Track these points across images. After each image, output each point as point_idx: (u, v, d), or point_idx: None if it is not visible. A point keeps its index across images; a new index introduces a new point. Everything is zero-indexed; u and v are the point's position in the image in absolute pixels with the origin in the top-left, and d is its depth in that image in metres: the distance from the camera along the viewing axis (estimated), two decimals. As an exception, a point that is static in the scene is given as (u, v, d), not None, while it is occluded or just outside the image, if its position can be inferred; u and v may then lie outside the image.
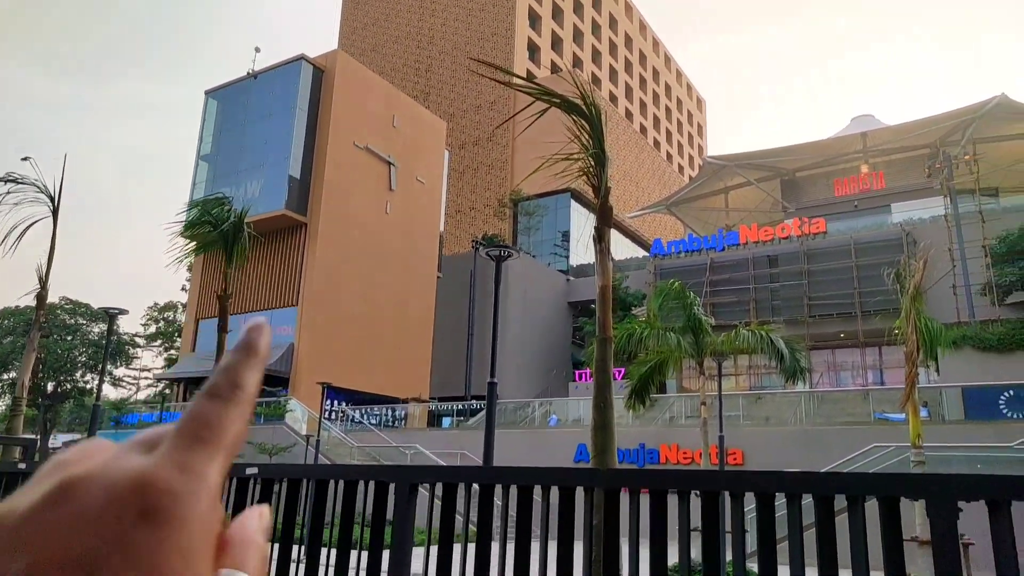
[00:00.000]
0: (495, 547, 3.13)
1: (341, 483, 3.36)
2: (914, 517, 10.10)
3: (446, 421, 31.97)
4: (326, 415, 27.82)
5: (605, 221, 5.75)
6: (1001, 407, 20.86)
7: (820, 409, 24.66)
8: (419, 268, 38.56)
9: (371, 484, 3.26)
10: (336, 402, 31.31)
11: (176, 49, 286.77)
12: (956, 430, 19.34)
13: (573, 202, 48.56)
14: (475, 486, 3.19)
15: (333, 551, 3.31)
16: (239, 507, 3.53)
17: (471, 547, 3.08)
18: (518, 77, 6.07)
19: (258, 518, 0.35)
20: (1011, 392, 21.02)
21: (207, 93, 38.72)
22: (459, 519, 3.42)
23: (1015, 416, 20.23)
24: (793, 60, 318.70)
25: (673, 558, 2.83)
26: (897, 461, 17.49)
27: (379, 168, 37.28)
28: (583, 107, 5.61)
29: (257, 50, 38.73)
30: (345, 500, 3.29)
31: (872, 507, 2.40)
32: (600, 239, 5.80)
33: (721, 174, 46.94)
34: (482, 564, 2.97)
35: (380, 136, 37.48)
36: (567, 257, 48.55)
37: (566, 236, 49.11)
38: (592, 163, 5.67)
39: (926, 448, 14.39)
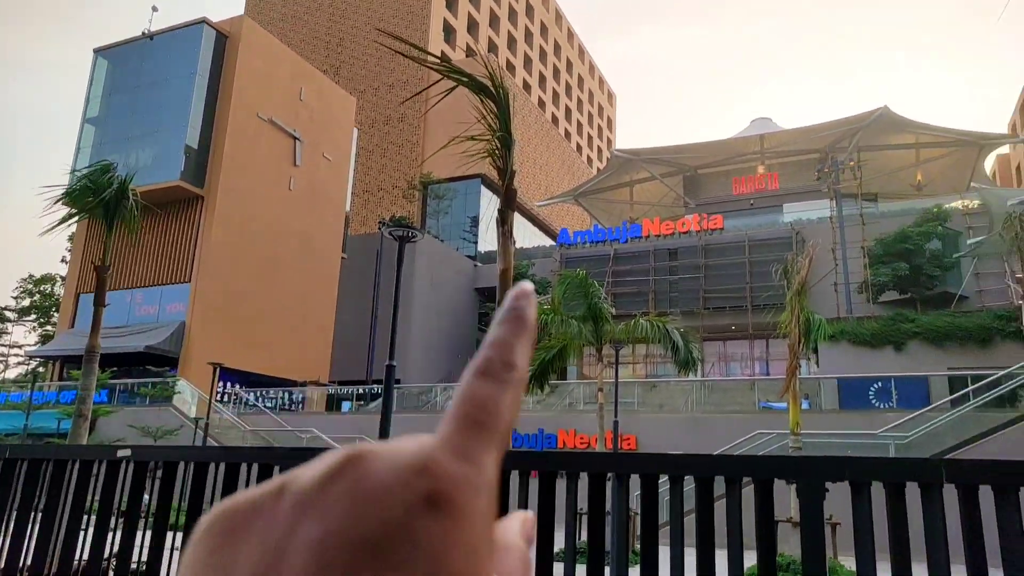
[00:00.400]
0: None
1: (223, 466, 3.20)
2: (790, 499, 10.74)
3: (346, 405, 31.40)
4: (218, 397, 26.75)
5: (509, 204, 5.74)
6: (871, 397, 22.53)
7: (710, 397, 25.84)
8: (323, 247, 37.56)
9: (255, 467, 3.12)
10: (229, 384, 30.12)
11: (63, 2, 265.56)
12: (831, 418, 20.73)
13: (483, 188, 48.49)
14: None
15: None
16: (108, 492, 3.30)
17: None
18: (429, 54, 5.96)
19: (521, 523, 0.32)
20: (879, 384, 22.73)
21: (96, 51, 36.08)
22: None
23: (882, 406, 21.90)
24: (702, 60, 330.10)
25: (560, 542, 2.86)
26: (778, 447, 18.57)
27: (284, 142, 35.95)
28: (491, 88, 5.56)
29: (154, 9, 36.38)
30: (226, 484, 3.14)
31: (749, 489, 2.50)
32: (503, 222, 5.79)
33: (627, 167, 48.10)
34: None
35: (286, 109, 36.12)
36: (476, 243, 48.54)
37: (475, 221, 49.06)
38: (498, 145, 5.64)
39: (804, 435, 15.35)
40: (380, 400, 26.44)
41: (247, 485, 3.12)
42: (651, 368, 35.22)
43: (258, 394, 30.35)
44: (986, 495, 2.17)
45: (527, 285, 0.32)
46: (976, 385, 19.98)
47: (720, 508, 2.45)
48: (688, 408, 24.68)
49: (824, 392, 23.97)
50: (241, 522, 0.25)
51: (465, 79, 5.65)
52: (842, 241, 31.68)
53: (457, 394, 0.28)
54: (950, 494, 2.22)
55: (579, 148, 77.24)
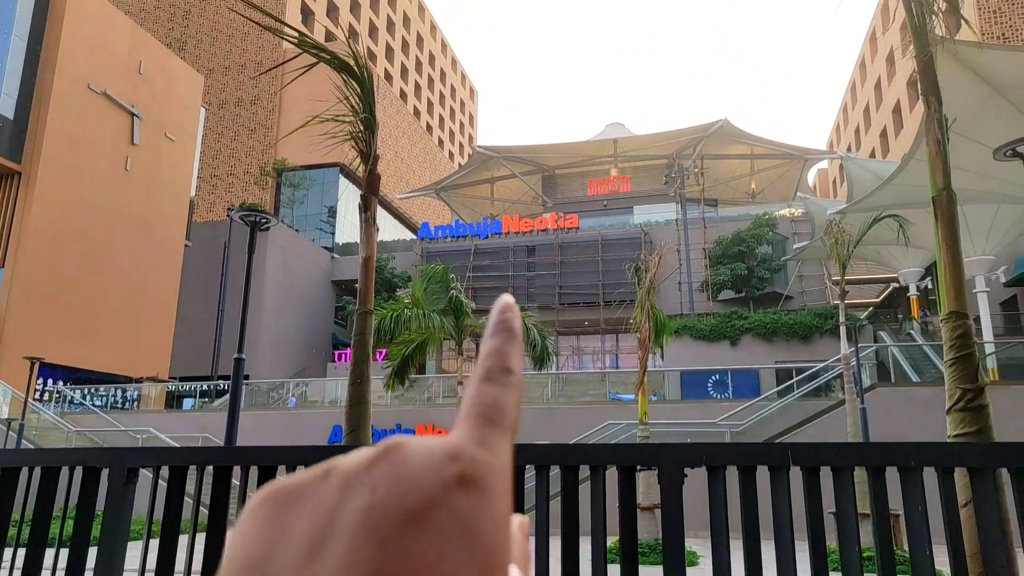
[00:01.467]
0: (231, 536, 2.84)
1: (38, 470, 2.82)
2: (638, 485, 11.25)
3: (188, 402, 29.38)
4: (37, 396, 24.15)
5: (372, 190, 5.53)
6: (708, 389, 24.20)
7: (564, 389, 26.67)
8: (164, 234, 34.85)
9: (78, 470, 2.78)
10: (51, 381, 27.25)
11: None
12: (674, 408, 22.03)
13: (342, 177, 47.09)
14: (209, 469, 2.86)
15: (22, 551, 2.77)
16: None
17: (202, 537, 2.76)
18: (287, 25, 5.60)
19: (519, 523, 0.36)
20: (716, 376, 24.48)
21: None
22: (192, 506, 3.05)
23: (718, 396, 23.60)
24: (562, 62, 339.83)
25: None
26: (626, 436, 19.49)
27: (120, 118, 32.94)
28: (354, 68, 5.32)
29: (-39, -43, 32.01)
30: (41, 490, 2.77)
31: (611, 475, 2.53)
32: (366, 208, 5.57)
33: (489, 164, 48.58)
34: (213, 555, 2.67)
35: (123, 82, 33.09)
36: (333, 234, 47.03)
37: (333, 212, 47.51)
38: (362, 128, 5.41)
39: (651, 424, 16.20)
40: (226, 397, 24.94)
41: (70, 489, 2.76)
42: (508, 362, 35.77)
43: (86, 392, 27.69)
44: (825, 474, 2.33)
45: (508, 298, 0.36)
46: (799, 377, 22.02)
47: (584, 498, 2.47)
48: (543, 400, 25.33)
49: (668, 384, 25.45)
50: (292, 497, 0.29)
51: (327, 56, 5.37)
52: (686, 243, 33.82)
53: (467, 398, 0.32)
54: (795, 475, 2.36)
55: (441, 143, 77.00)
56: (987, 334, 22.40)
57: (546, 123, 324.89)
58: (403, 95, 67.55)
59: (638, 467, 2.86)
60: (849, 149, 54.63)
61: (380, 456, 0.29)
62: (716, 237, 34.07)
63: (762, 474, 2.37)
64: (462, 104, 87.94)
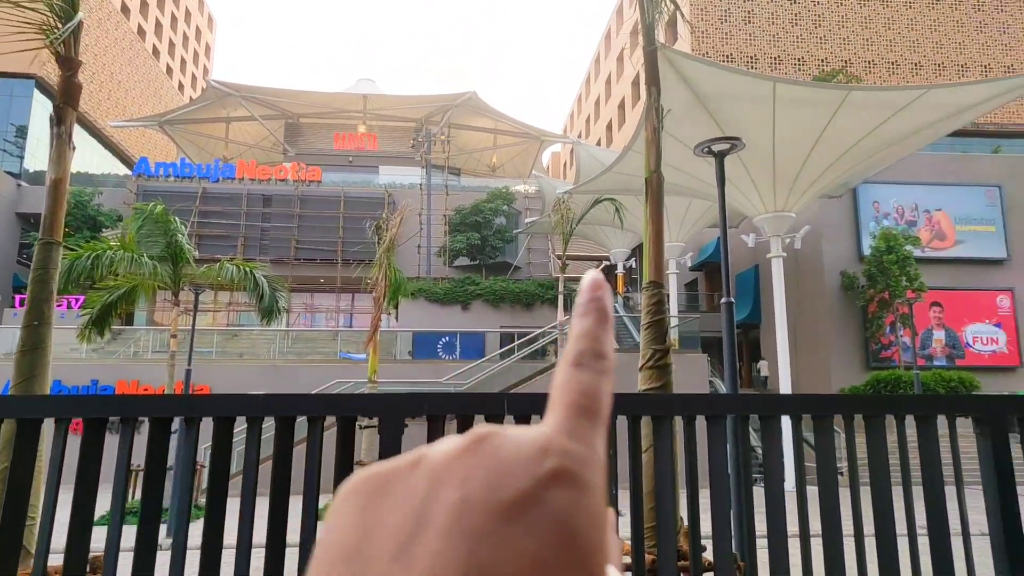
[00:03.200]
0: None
1: None
2: (360, 440, 11.27)
3: None
4: None
5: (69, 100, 4.62)
6: (438, 350, 25.05)
7: (293, 347, 25.73)
8: None
9: None
10: None
11: None
12: (405, 368, 22.47)
13: (37, 92, 39.77)
14: None
15: None
16: None
17: None
18: None
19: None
20: (447, 338, 25.41)
21: None
22: None
23: (447, 357, 24.55)
24: (316, 5, 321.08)
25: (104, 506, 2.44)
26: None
27: None
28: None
29: None
30: None
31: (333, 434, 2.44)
32: (60, 121, 4.66)
33: (225, 102, 44.44)
34: None
35: None
36: (22, 158, 39.65)
37: (23, 132, 39.99)
38: (57, 20, 4.48)
39: (380, 382, 16.31)
40: None
41: None
42: (234, 316, 33.56)
43: None
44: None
45: (599, 275, 0.34)
46: (520, 340, 23.71)
47: (297, 456, 2.36)
48: (270, 356, 24.21)
49: (400, 343, 25.83)
50: (383, 485, 0.29)
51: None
52: (428, 207, 34.40)
53: (558, 384, 0.30)
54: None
55: (169, 71, 68.60)
56: (673, 309, 26.09)
57: (293, 67, 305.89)
58: (126, 10, 58.81)
59: (359, 418, 2.81)
60: (580, 136, 59.64)
61: (469, 447, 0.28)
62: (457, 205, 35.09)
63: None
64: (198, 31, 79.10)
